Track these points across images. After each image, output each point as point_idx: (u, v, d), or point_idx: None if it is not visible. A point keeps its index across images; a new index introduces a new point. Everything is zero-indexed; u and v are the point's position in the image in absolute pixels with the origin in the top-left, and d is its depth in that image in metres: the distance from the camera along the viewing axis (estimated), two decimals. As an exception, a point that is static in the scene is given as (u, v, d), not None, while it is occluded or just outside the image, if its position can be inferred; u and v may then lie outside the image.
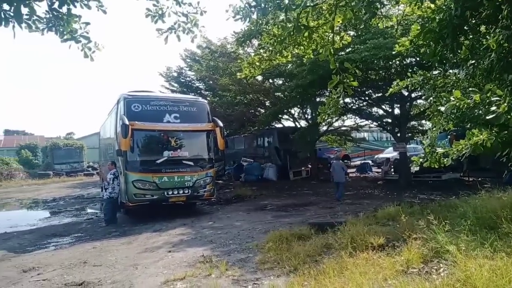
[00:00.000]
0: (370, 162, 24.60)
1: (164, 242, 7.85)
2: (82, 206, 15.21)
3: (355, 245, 5.55)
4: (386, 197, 12.80)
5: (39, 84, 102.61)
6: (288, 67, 15.04)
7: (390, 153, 23.01)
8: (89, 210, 14.07)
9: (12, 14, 3.01)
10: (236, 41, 16.39)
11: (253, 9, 4.73)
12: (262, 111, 20.19)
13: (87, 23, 3.72)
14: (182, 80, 22.82)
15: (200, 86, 22.81)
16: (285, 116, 21.38)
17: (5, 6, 2.98)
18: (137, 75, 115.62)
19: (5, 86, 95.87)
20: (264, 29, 5.94)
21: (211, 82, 20.36)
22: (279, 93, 18.65)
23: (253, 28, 10.54)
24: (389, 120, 17.91)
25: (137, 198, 10.22)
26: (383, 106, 17.53)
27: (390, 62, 12.83)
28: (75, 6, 3.53)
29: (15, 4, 2.98)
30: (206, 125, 11.38)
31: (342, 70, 4.04)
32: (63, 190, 22.20)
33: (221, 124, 11.35)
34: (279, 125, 21.94)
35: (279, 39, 5.06)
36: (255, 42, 15.12)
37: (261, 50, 6.70)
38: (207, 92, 21.93)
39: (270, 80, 18.49)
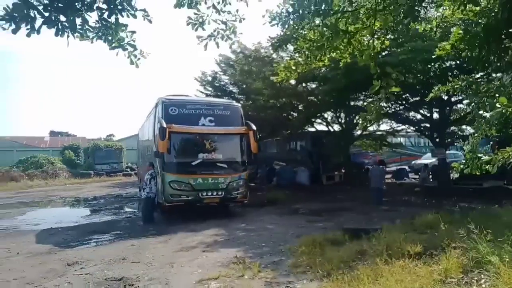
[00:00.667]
0: (406, 168, 23.86)
1: (199, 242, 8.04)
2: (121, 205, 15.80)
3: (391, 252, 5.43)
4: (424, 204, 12.38)
5: (82, 87, 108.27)
6: (322, 71, 14.94)
7: (428, 159, 22.20)
8: (127, 209, 14.58)
9: (67, 24, 3.25)
10: (271, 46, 16.48)
11: (291, 15, 4.80)
12: (295, 115, 20.09)
13: (133, 32, 3.94)
14: (217, 85, 23.19)
15: (234, 90, 23.05)
16: (318, 120, 21.19)
17: (61, 18, 3.23)
18: (173, 80, 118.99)
19: (52, 89, 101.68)
20: (299, 34, 5.98)
21: (244, 86, 20.53)
22: (313, 97, 18.51)
23: (288, 33, 10.60)
24: (428, 125, 17.25)
25: (173, 198, 10.50)
26: (421, 111, 16.92)
27: (429, 66, 12.41)
28: (122, 16, 3.75)
29: (70, 16, 3.22)
30: (239, 129, 11.53)
31: (382, 74, 3.99)
32: (103, 189, 23.14)
33: (254, 127, 11.42)
34: (312, 129, 21.79)
35: (317, 44, 5.07)
36: (290, 46, 15.15)
37: (297, 55, 6.72)
38: (240, 96, 22.12)
39: (304, 84, 18.39)
